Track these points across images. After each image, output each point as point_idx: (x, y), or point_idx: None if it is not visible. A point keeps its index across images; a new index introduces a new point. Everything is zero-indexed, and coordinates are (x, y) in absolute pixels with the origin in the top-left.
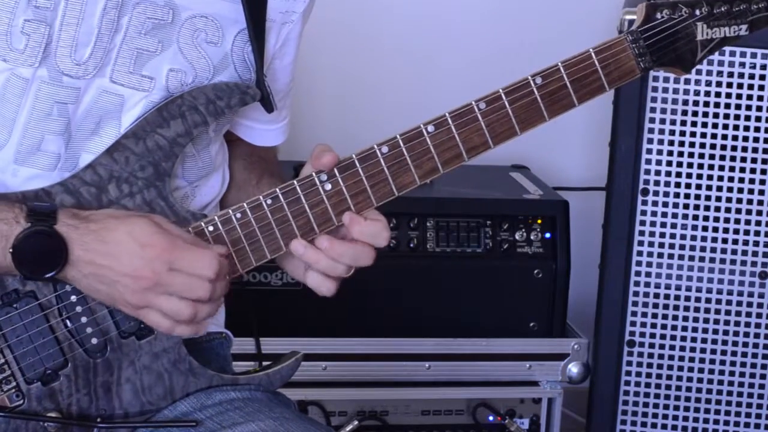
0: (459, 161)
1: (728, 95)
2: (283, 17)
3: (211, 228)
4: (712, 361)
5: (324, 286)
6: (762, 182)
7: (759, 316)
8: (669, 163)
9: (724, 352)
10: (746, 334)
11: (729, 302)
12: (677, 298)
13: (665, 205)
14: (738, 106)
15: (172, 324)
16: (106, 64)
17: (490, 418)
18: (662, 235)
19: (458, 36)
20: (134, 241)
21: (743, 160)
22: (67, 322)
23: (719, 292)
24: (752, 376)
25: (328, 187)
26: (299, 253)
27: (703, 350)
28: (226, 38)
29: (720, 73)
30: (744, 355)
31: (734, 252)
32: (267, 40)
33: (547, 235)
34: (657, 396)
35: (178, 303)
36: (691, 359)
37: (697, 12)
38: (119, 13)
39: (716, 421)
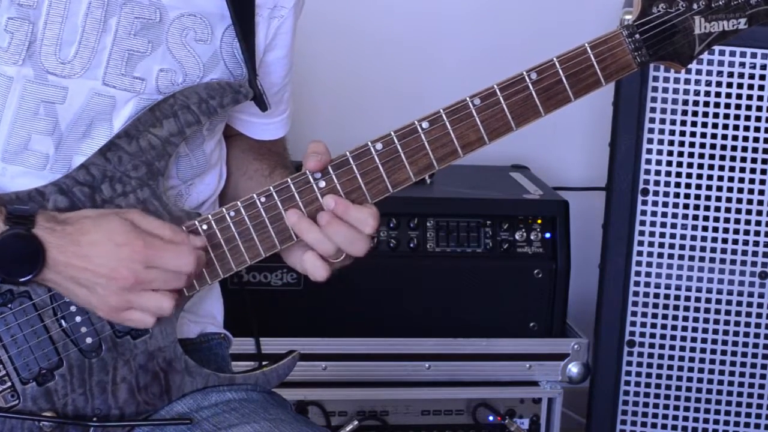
0: (454, 157)
1: (728, 95)
2: (272, 12)
3: (204, 227)
4: (712, 361)
5: (316, 268)
6: (762, 182)
7: (759, 316)
8: (669, 163)
9: (724, 352)
10: (746, 334)
11: (729, 302)
12: (677, 298)
13: (665, 205)
14: (738, 106)
15: (155, 318)
16: (97, 65)
17: (490, 418)
18: (662, 235)
19: (457, 34)
20: (109, 241)
21: (743, 160)
22: (62, 321)
23: (719, 292)
24: (752, 376)
25: (322, 184)
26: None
27: (703, 350)
28: (215, 35)
29: (720, 73)
30: (744, 355)
31: (734, 252)
32: (256, 35)
33: (547, 235)
34: (657, 396)
35: (159, 297)
36: (691, 359)
37: (695, 6)
38: (106, 14)
39: (716, 421)
